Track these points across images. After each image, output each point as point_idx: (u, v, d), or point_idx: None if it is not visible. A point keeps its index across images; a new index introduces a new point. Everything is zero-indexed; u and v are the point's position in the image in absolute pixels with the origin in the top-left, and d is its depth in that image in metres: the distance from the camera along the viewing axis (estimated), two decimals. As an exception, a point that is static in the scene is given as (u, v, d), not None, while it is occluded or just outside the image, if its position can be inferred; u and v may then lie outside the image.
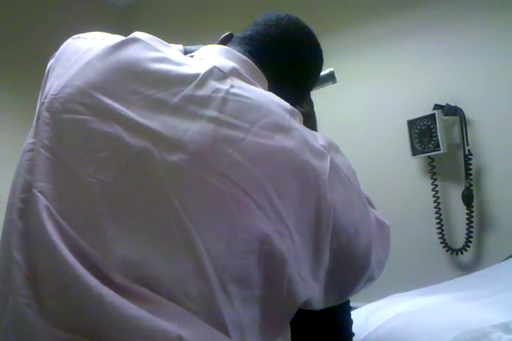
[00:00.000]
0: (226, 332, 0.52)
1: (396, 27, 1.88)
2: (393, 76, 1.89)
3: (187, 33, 1.82)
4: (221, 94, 0.59)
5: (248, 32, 0.79)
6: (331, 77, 0.93)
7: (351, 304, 0.81)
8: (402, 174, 1.85)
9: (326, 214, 0.60)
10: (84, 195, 0.54)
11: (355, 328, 0.82)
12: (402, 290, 1.18)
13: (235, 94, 0.60)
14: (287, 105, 0.64)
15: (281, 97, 0.65)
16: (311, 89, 0.87)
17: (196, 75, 0.61)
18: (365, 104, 1.96)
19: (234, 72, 0.64)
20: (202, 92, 0.59)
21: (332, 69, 0.93)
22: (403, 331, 0.89)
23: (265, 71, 0.73)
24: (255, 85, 0.66)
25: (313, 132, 0.66)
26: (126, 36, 0.65)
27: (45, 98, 0.61)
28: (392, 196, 1.80)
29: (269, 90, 0.68)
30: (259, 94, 0.63)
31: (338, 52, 1.95)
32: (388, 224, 0.73)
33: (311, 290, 0.60)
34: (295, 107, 0.65)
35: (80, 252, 0.51)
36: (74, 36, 0.69)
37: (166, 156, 0.55)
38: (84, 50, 0.63)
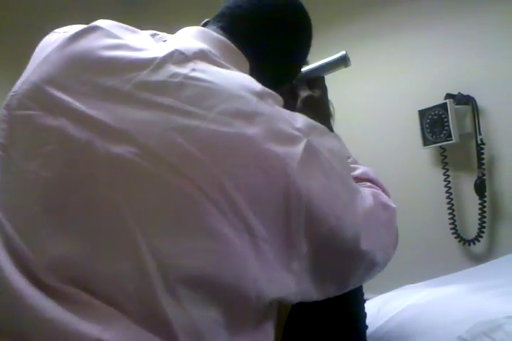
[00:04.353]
0: (171, 336, 0.48)
1: (408, 15, 1.85)
2: (404, 65, 1.86)
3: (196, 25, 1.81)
4: (178, 79, 0.55)
5: (219, 9, 0.73)
6: (343, 60, 0.85)
7: (362, 295, 0.81)
8: (414, 164, 1.84)
9: (295, 203, 0.54)
10: (26, 193, 0.53)
11: (366, 319, 0.82)
12: (413, 281, 1.18)
13: (194, 79, 0.56)
14: (257, 87, 0.58)
15: (263, 78, 0.60)
16: (301, 66, 0.80)
17: (153, 59, 0.57)
18: (376, 94, 1.94)
19: (199, 55, 0.60)
20: (157, 77, 0.55)
21: (344, 51, 0.86)
22: (415, 322, 0.88)
23: (241, 48, 0.68)
24: (227, 68, 0.61)
25: (293, 114, 0.60)
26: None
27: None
28: (404, 187, 1.78)
29: (250, 71, 0.64)
30: (224, 77, 0.58)
31: (349, 40, 1.93)
32: (394, 206, 0.69)
33: (280, 286, 0.56)
34: (282, 87, 0.59)
35: (13, 252, 0.50)
36: (53, 31, 0.66)
37: (109, 148, 0.52)
38: (49, 45, 0.61)
